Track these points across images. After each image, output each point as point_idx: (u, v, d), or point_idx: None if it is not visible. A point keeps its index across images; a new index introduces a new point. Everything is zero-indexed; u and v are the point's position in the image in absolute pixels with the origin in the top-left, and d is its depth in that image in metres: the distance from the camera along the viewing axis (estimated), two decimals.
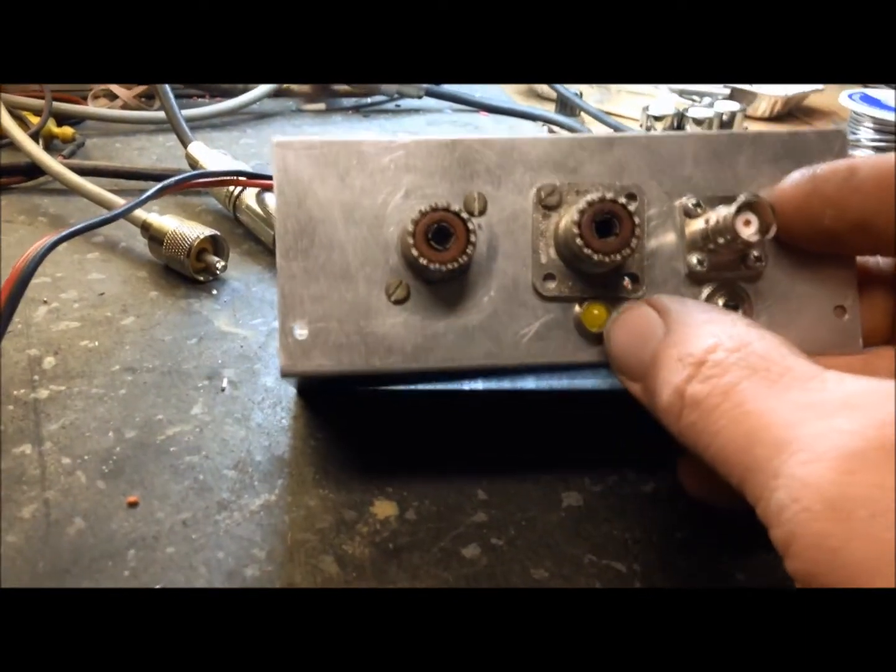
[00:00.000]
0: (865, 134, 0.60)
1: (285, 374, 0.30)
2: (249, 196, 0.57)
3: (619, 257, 0.29)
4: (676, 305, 0.28)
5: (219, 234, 0.52)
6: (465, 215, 0.29)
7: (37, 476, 0.36)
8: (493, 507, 0.35)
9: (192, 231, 0.51)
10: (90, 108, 0.77)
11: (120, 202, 0.53)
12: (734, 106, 0.83)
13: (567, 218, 0.30)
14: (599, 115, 0.84)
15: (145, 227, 0.53)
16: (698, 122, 0.82)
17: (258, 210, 0.56)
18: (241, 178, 0.56)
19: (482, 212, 0.31)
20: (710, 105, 0.85)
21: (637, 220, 0.29)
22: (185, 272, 0.52)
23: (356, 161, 0.31)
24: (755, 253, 0.31)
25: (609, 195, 0.29)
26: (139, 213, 0.53)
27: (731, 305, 0.31)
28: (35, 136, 0.65)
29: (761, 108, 0.91)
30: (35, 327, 0.46)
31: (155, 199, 0.51)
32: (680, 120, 0.83)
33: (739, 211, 0.28)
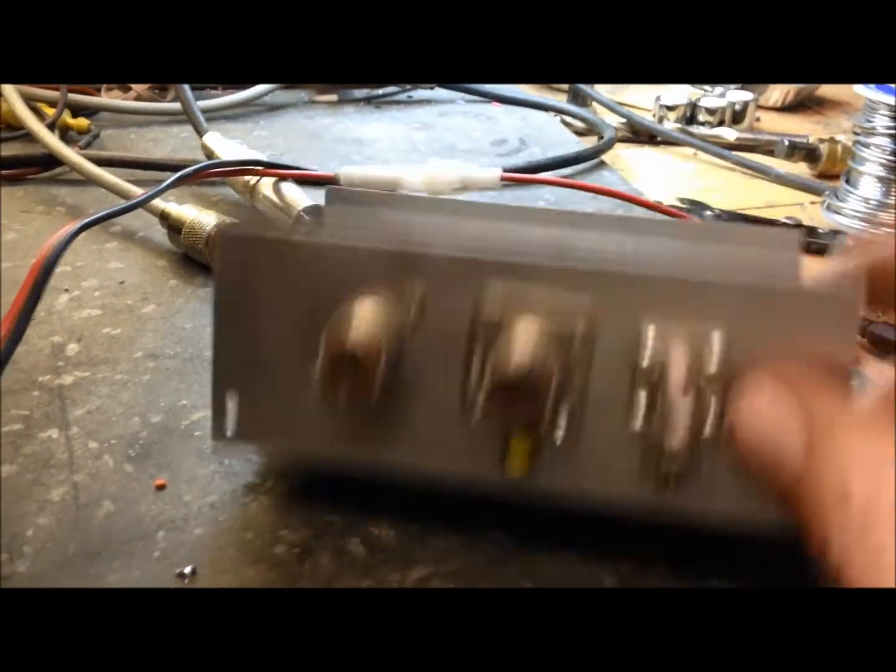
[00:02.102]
0: (881, 122, 0.60)
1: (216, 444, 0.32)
2: (266, 185, 0.57)
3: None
4: (823, 399, 0.21)
5: (237, 222, 0.52)
6: (375, 359, 0.28)
7: (65, 460, 0.36)
8: None
9: (211, 219, 0.51)
10: (105, 99, 0.78)
11: (138, 191, 0.53)
12: (746, 96, 0.84)
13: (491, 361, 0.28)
14: (612, 105, 0.84)
15: (164, 217, 0.53)
16: (711, 111, 0.82)
17: (275, 199, 0.56)
18: (258, 167, 0.57)
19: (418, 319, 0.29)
20: (722, 95, 0.85)
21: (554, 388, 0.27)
22: (205, 261, 0.52)
23: (304, 263, 0.29)
24: None
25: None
26: (157, 202, 0.53)
27: None
28: (51, 128, 0.65)
29: (773, 97, 0.91)
30: (57, 315, 0.47)
31: (172, 189, 0.51)
32: (692, 110, 0.83)
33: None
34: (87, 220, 0.41)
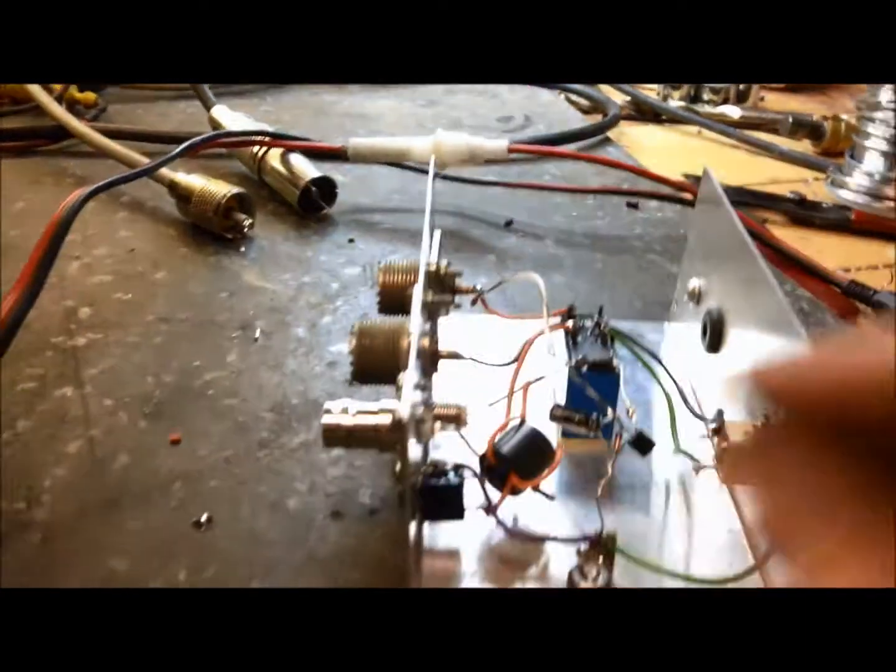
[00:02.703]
0: (886, 96, 0.60)
1: None
2: (274, 157, 0.58)
3: None
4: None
5: (245, 191, 0.53)
6: None
7: (80, 416, 0.36)
8: None
9: (220, 188, 0.52)
10: None
11: (146, 161, 0.54)
12: None
13: None
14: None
15: (172, 187, 0.53)
16: (715, 90, 0.82)
17: (283, 170, 0.57)
18: (266, 137, 0.57)
19: None
20: None
21: None
22: (213, 229, 0.52)
23: None
24: None
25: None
26: (166, 172, 0.54)
27: None
28: (59, 101, 0.65)
29: None
30: (69, 281, 0.47)
31: (181, 158, 0.52)
32: (697, 88, 0.83)
33: None
34: (99, 185, 0.41)
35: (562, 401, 0.33)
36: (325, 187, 0.56)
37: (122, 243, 0.52)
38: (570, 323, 0.36)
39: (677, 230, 0.56)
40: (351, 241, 0.53)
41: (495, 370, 0.34)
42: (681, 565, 0.30)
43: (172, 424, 0.36)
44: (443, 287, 0.35)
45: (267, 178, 0.58)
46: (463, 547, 0.30)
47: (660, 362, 0.35)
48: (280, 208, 0.57)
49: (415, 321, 0.28)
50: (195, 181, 0.53)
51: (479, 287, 0.36)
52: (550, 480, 0.32)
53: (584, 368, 0.33)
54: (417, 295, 0.30)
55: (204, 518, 0.31)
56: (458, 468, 0.29)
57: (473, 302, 0.37)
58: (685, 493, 0.33)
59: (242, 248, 0.52)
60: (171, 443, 0.35)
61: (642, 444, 0.31)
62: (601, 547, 0.28)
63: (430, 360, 0.32)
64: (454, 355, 0.33)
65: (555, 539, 0.30)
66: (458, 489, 0.28)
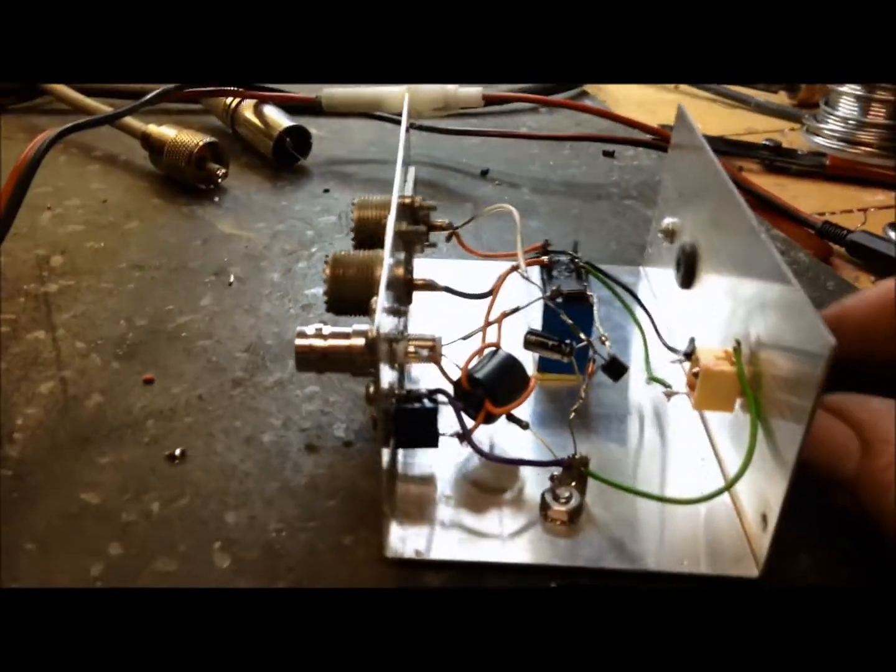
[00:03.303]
0: None
1: None
2: (247, 108, 0.57)
3: None
4: (865, 416, 0.26)
5: (218, 141, 0.52)
6: None
7: (52, 358, 0.36)
8: None
9: (192, 138, 0.51)
10: None
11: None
12: None
13: None
14: None
15: (145, 138, 0.53)
16: None
17: (256, 122, 0.56)
18: (239, 88, 0.56)
19: None
20: None
21: None
22: (187, 180, 0.52)
23: None
24: None
25: None
26: (138, 123, 0.53)
27: None
28: None
29: None
30: (41, 230, 0.47)
31: (156, 115, 0.51)
32: None
33: None
34: (68, 126, 0.41)
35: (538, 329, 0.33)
36: (299, 138, 0.56)
37: (95, 195, 0.51)
38: (545, 258, 0.36)
39: (654, 177, 0.56)
40: (326, 191, 0.53)
41: (471, 304, 0.34)
42: (654, 488, 0.30)
43: (146, 365, 0.36)
44: (416, 221, 0.35)
45: (241, 129, 0.58)
46: (437, 473, 0.30)
47: (633, 295, 0.35)
48: (254, 160, 0.57)
49: (387, 249, 0.28)
50: (167, 132, 0.52)
51: (453, 223, 0.36)
52: (524, 411, 0.32)
53: (559, 299, 0.33)
54: (390, 224, 0.30)
55: (178, 452, 0.31)
56: (432, 394, 0.29)
57: (448, 238, 0.37)
58: (657, 420, 0.33)
59: (216, 199, 0.51)
60: (144, 382, 0.35)
61: (615, 369, 0.32)
62: (574, 470, 0.29)
63: (404, 289, 0.32)
64: (429, 285, 0.33)
65: (529, 464, 0.30)
66: (431, 414, 0.28)
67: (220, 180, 0.52)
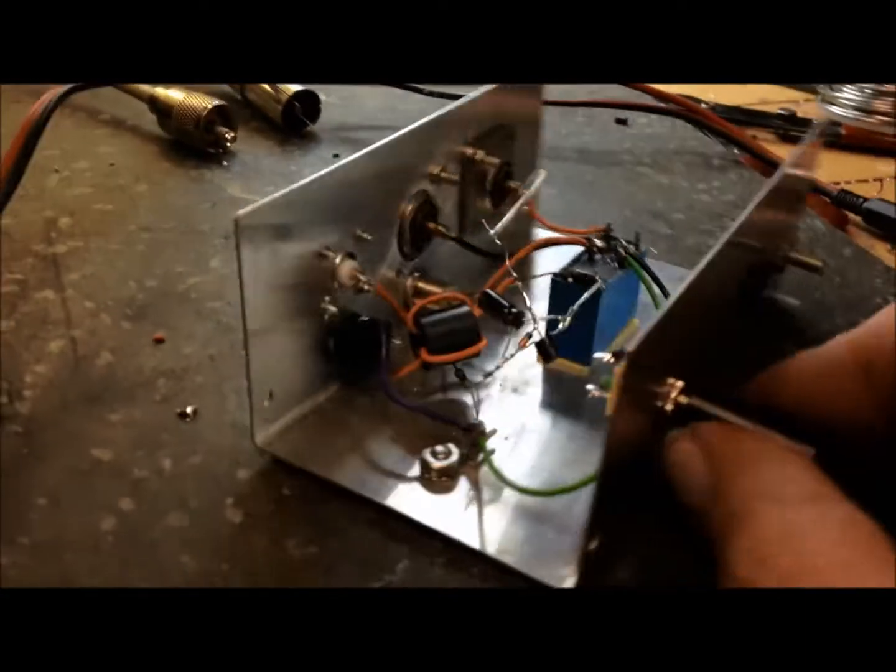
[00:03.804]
0: None
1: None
2: None
3: None
4: (727, 456, 0.23)
5: (226, 104, 0.52)
6: None
7: (61, 318, 0.36)
8: None
9: (201, 102, 0.51)
10: None
11: None
12: None
13: None
14: None
15: (152, 101, 0.52)
16: None
17: (265, 87, 0.56)
18: None
19: None
20: None
21: None
22: (195, 144, 0.51)
23: None
24: None
25: None
26: (146, 87, 0.52)
27: None
28: None
29: None
30: (48, 193, 0.46)
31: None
32: None
33: None
34: (75, 84, 0.40)
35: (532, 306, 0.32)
36: (309, 104, 0.55)
37: (103, 158, 0.51)
38: (598, 241, 0.34)
39: (667, 145, 0.55)
40: (335, 156, 0.52)
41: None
42: (533, 476, 0.29)
43: (156, 325, 0.36)
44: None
45: (250, 94, 0.57)
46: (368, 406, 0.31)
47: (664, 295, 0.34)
48: (263, 125, 0.56)
49: None
50: (175, 95, 0.52)
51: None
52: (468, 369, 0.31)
53: (570, 279, 0.32)
54: None
55: (189, 410, 0.31)
56: (374, 322, 0.30)
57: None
58: (593, 413, 0.31)
59: (225, 163, 0.51)
60: (154, 342, 0.35)
61: (544, 351, 0.31)
62: (471, 436, 0.29)
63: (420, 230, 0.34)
64: (441, 233, 0.33)
65: (430, 415, 0.30)
66: (367, 335, 0.30)
67: (228, 144, 0.51)
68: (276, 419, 0.30)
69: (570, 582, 0.24)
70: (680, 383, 0.24)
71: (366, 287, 0.30)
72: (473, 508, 0.27)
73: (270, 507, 0.27)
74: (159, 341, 0.35)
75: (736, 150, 0.55)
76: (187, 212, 0.45)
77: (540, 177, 0.37)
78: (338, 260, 0.30)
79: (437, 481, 0.28)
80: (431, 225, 0.34)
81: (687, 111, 0.55)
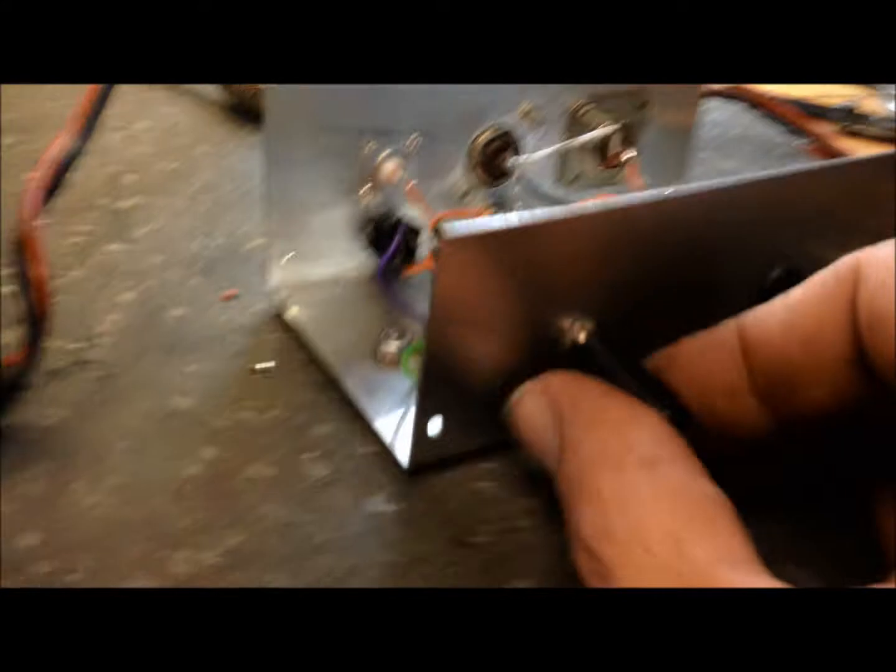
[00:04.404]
0: None
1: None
2: None
3: None
4: (570, 417, 0.22)
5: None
6: None
7: (131, 270, 0.36)
8: None
9: None
10: None
11: None
12: None
13: None
14: None
15: None
16: None
17: None
18: None
19: None
20: None
21: None
22: (256, 110, 0.51)
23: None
24: None
25: None
26: None
27: None
28: None
29: None
30: (112, 150, 0.46)
31: None
32: None
33: None
34: None
35: None
36: None
37: (164, 119, 0.50)
38: None
39: (730, 130, 0.55)
40: None
41: None
42: None
43: (225, 282, 0.36)
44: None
45: None
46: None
47: None
48: None
49: None
50: None
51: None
52: None
53: None
54: None
55: (266, 366, 0.31)
56: (399, 221, 0.33)
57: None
58: None
59: None
60: (224, 299, 0.35)
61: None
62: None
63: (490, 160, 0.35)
64: (504, 171, 0.35)
65: (406, 314, 0.32)
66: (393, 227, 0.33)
67: None
68: (296, 277, 0.33)
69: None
70: (589, 325, 0.24)
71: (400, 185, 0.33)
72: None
73: (352, 463, 0.27)
74: (228, 298, 0.34)
75: (800, 142, 0.54)
76: (248, 174, 0.45)
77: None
78: (383, 154, 0.33)
79: (377, 358, 0.30)
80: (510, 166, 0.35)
81: (752, 98, 0.55)
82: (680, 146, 0.41)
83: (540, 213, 0.22)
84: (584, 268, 0.24)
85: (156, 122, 0.50)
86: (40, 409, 0.28)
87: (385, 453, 0.27)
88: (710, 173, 0.50)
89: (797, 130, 0.53)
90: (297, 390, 0.30)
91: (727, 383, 0.23)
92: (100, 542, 0.24)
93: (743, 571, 0.18)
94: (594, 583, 0.19)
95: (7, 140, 0.46)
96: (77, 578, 0.23)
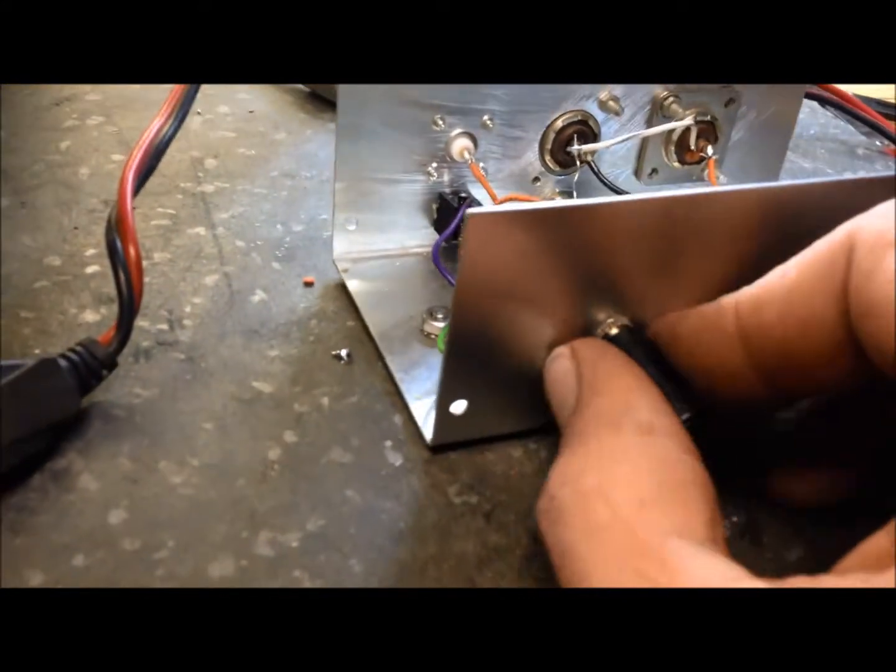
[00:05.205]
0: None
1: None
2: None
3: None
4: (588, 377, 0.23)
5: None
6: None
7: (214, 254, 0.36)
8: None
9: None
10: None
11: None
12: None
13: None
14: None
15: None
16: None
17: None
18: None
19: None
20: None
21: None
22: (332, 98, 0.51)
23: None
24: None
25: None
26: None
27: None
28: None
29: None
30: (193, 134, 0.47)
31: None
32: None
33: None
34: None
35: None
36: None
37: (242, 104, 0.51)
38: None
39: (808, 130, 0.54)
40: None
41: None
42: None
43: (305, 268, 0.36)
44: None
45: None
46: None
47: None
48: None
49: None
50: None
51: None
52: None
53: None
54: None
55: (344, 353, 0.31)
56: (464, 199, 0.34)
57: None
58: None
59: None
60: (304, 285, 0.35)
61: None
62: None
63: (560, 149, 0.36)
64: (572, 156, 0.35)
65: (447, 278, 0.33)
66: (457, 206, 0.34)
67: None
68: (359, 248, 0.35)
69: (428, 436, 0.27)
70: (623, 320, 0.24)
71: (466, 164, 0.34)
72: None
73: (427, 453, 0.27)
74: (309, 284, 0.35)
75: (882, 142, 0.53)
76: (326, 162, 0.45)
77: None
78: (453, 133, 0.33)
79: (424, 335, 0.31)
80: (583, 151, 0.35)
81: (833, 97, 0.54)
82: (777, 146, 0.41)
83: (581, 201, 0.22)
84: (626, 262, 0.23)
85: (234, 107, 0.50)
86: (127, 388, 0.29)
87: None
88: (792, 172, 0.49)
89: (881, 130, 0.52)
90: (376, 377, 0.30)
91: (727, 361, 0.23)
92: (185, 521, 0.24)
93: (692, 549, 0.18)
94: (542, 525, 0.20)
95: (92, 121, 0.47)
96: (163, 556, 0.23)
